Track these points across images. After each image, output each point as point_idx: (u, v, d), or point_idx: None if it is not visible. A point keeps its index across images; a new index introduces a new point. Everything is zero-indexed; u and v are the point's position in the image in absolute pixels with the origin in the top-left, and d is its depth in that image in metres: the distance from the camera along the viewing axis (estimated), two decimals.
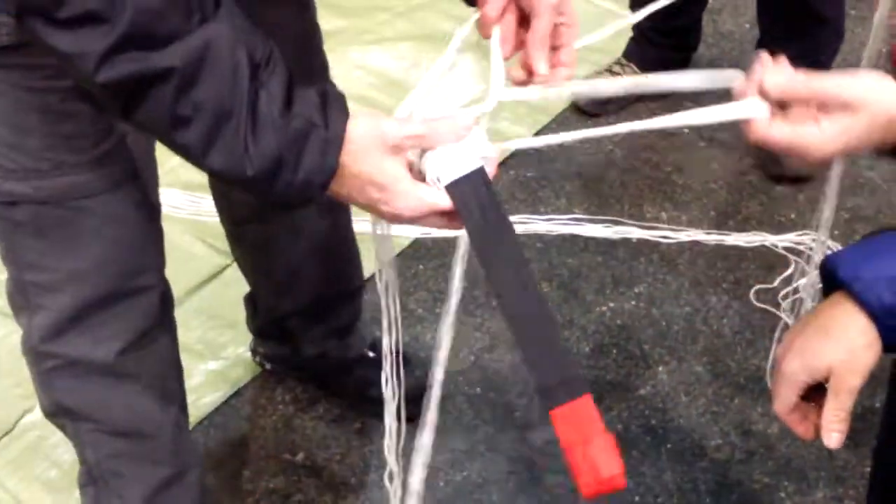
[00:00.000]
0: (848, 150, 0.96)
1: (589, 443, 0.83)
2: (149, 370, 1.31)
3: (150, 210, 1.25)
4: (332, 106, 0.89)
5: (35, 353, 1.28)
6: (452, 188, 0.91)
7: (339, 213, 1.65)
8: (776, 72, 0.93)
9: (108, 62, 0.84)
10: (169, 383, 1.37)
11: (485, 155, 0.93)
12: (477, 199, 0.91)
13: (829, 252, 0.93)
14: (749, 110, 0.93)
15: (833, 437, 0.94)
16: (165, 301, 1.31)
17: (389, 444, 1.30)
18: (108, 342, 1.25)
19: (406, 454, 1.26)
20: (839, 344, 0.90)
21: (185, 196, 2.19)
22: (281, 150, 0.87)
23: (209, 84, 0.85)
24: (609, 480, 0.83)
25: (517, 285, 0.91)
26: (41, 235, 1.18)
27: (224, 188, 1.59)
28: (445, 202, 0.91)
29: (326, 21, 1.44)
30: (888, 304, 0.89)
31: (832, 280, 0.92)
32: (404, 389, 1.64)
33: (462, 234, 1.06)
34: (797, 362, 0.93)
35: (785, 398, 0.96)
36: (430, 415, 1.10)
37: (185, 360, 1.84)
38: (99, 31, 0.84)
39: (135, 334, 1.27)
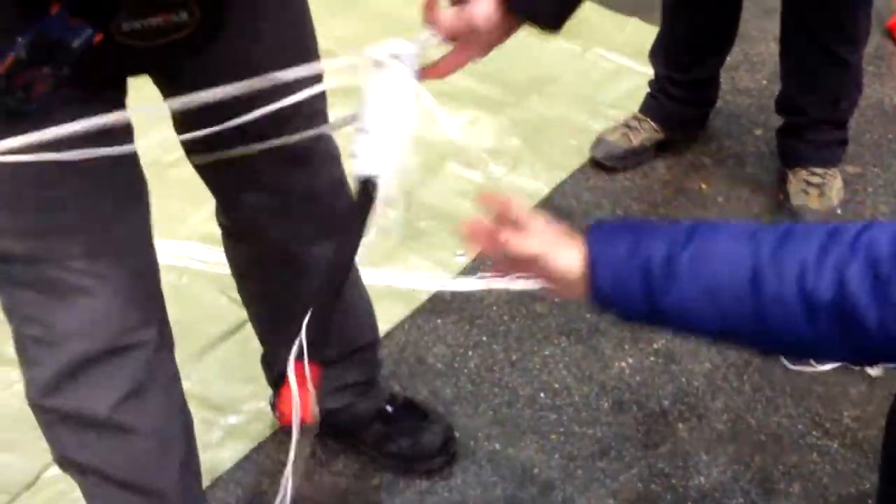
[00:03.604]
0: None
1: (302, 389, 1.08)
2: (147, 422, 1.32)
3: (146, 265, 1.27)
4: None
5: (36, 406, 1.30)
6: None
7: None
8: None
9: None
10: (171, 434, 1.38)
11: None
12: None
13: None
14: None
15: None
16: (162, 355, 1.32)
17: None
18: (103, 396, 1.27)
19: None
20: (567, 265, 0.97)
21: (206, 249, 2.20)
22: None
23: None
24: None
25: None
26: (37, 292, 1.20)
27: (228, 242, 1.61)
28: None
29: None
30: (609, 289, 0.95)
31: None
32: (421, 444, 1.61)
33: None
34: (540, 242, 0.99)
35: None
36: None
37: (206, 414, 1.87)
38: None
39: (130, 388, 1.28)
